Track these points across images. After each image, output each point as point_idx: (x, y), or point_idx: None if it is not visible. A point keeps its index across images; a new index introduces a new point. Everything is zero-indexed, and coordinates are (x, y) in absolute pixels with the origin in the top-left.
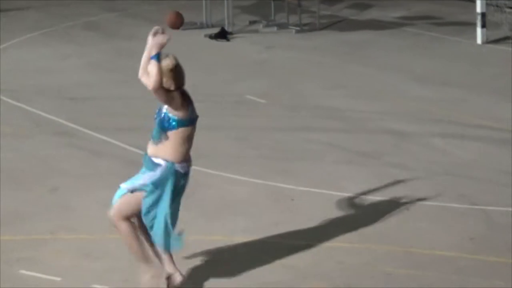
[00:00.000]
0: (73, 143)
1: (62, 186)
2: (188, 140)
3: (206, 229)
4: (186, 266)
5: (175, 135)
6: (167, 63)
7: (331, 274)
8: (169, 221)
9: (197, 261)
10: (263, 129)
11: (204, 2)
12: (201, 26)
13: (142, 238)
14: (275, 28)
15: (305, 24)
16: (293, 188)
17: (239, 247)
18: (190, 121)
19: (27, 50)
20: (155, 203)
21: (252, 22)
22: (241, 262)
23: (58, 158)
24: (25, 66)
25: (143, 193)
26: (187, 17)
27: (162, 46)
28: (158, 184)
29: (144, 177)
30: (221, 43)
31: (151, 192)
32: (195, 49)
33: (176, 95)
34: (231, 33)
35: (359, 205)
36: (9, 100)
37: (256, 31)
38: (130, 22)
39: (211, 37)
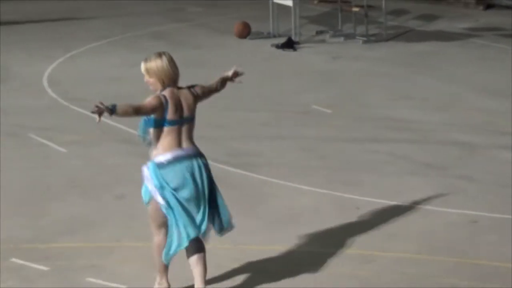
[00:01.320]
0: (139, 152)
1: (129, 194)
2: (169, 135)
3: (270, 238)
4: (248, 276)
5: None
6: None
7: (395, 285)
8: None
9: (261, 271)
10: (329, 140)
11: (271, 12)
12: (268, 36)
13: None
14: (342, 39)
15: (372, 35)
16: (358, 198)
17: (302, 257)
18: (165, 121)
19: (95, 58)
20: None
21: (319, 32)
22: (305, 271)
23: (125, 166)
24: (93, 74)
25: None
26: (254, 27)
27: None
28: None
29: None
30: (288, 53)
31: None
32: (262, 59)
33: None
34: (298, 43)
35: (425, 217)
36: (77, 108)
37: (323, 41)
38: (198, 32)
39: (278, 47)
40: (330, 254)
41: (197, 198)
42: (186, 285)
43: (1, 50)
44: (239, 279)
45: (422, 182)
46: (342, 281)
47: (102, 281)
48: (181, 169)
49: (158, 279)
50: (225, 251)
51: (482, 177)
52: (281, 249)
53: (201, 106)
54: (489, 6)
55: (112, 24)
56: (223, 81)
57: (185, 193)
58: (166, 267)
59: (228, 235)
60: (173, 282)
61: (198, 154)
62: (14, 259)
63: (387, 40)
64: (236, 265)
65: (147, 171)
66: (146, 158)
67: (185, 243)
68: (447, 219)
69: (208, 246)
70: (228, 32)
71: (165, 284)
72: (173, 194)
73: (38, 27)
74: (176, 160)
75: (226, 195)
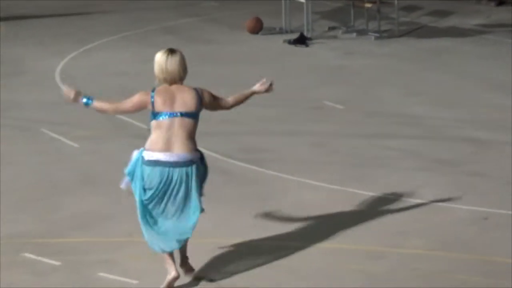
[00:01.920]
0: None
1: None
2: (159, 128)
3: (282, 234)
4: (260, 270)
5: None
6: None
7: (407, 281)
8: (142, 215)
9: (272, 266)
10: (340, 135)
11: (283, 7)
12: (280, 32)
13: None
14: (354, 34)
15: (384, 31)
16: (370, 194)
17: (313, 252)
18: (154, 114)
19: (107, 53)
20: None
21: (331, 28)
22: (318, 267)
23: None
24: (106, 68)
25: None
26: (266, 23)
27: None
28: (130, 171)
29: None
30: (300, 49)
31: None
32: (274, 55)
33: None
34: (310, 39)
35: (436, 213)
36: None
37: (335, 37)
38: (210, 27)
39: (290, 42)
40: (341, 250)
41: (161, 202)
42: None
43: (15, 44)
44: (250, 274)
45: (433, 178)
46: (353, 277)
47: (113, 276)
48: (158, 174)
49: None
50: (237, 246)
51: (494, 174)
52: (292, 244)
53: None
54: (501, 3)
55: (125, 19)
56: (245, 97)
57: (149, 195)
58: (169, 256)
59: (240, 230)
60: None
61: (186, 163)
62: (26, 254)
63: (399, 36)
64: (247, 260)
65: (135, 153)
66: None
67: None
68: (458, 215)
69: (219, 241)
70: (240, 28)
71: (173, 273)
72: (140, 191)
73: (51, 21)
74: (156, 163)
75: (238, 191)
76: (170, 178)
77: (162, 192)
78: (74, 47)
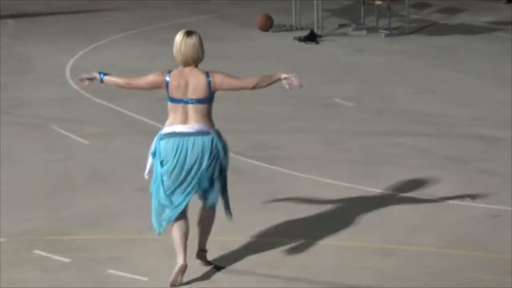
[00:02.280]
0: None
1: (149, 186)
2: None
3: (292, 231)
4: (270, 267)
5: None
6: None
7: (418, 279)
8: (157, 197)
9: (283, 263)
10: (351, 133)
11: (293, 4)
12: (291, 29)
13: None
14: (364, 32)
15: (394, 28)
16: (381, 192)
17: (324, 250)
18: (168, 98)
19: (117, 50)
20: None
21: (341, 25)
22: (328, 264)
23: (145, 158)
24: (116, 66)
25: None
26: (277, 20)
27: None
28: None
29: None
30: (310, 46)
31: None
32: (284, 52)
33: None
34: (320, 36)
35: (448, 210)
36: (100, 101)
37: (345, 34)
38: (221, 24)
39: (300, 39)
40: (353, 247)
41: (180, 174)
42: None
43: (24, 42)
44: (261, 270)
45: (445, 176)
46: (365, 275)
47: (123, 273)
48: (173, 144)
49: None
50: (248, 243)
51: (506, 172)
52: (303, 241)
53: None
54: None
55: (135, 16)
56: (272, 82)
57: (166, 167)
58: (181, 243)
59: (251, 227)
60: None
61: (202, 132)
62: (36, 251)
63: (409, 33)
64: (258, 256)
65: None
66: None
67: (163, 226)
68: (470, 213)
69: (231, 238)
70: (251, 25)
71: (181, 261)
72: (157, 165)
73: (61, 19)
74: (172, 135)
75: (249, 188)
76: (185, 147)
77: (179, 166)
78: (84, 45)
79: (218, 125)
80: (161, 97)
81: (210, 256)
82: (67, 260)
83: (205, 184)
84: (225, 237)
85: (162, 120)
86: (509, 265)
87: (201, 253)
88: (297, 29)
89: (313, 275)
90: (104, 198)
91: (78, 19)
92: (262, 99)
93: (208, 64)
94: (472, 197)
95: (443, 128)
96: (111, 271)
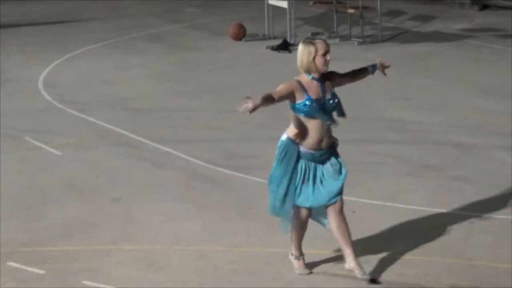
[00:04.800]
0: (136, 154)
1: (125, 196)
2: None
3: (266, 240)
4: (246, 278)
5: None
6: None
7: (391, 286)
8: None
9: (256, 272)
10: None
11: (266, 13)
12: (263, 38)
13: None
14: (337, 40)
15: (367, 36)
16: (355, 200)
17: None
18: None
19: (91, 61)
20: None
21: (314, 34)
22: (300, 274)
23: (121, 169)
24: (89, 77)
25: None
26: (250, 29)
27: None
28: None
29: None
30: (283, 55)
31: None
32: (257, 61)
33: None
34: (293, 45)
35: (422, 218)
36: (73, 112)
37: None
38: (194, 34)
39: (273, 48)
40: (328, 255)
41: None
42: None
43: None
44: (237, 278)
45: (419, 183)
46: (340, 282)
47: (98, 284)
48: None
49: (293, 251)
50: (222, 253)
51: (479, 178)
52: (278, 251)
53: (198, 109)
54: (484, 7)
55: (109, 26)
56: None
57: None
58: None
59: (226, 237)
60: None
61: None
62: (11, 263)
63: (382, 41)
64: (233, 267)
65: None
66: (143, 161)
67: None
68: (443, 220)
69: (206, 247)
70: (224, 34)
71: (297, 253)
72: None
73: (35, 29)
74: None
75: (223, 198)
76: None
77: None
78: (58, 55)
79: (191, 135)
80: (135, 107)
81: (185, 266)
82: (41, 271)
83: None
84: (200, 246)
85: (136, 131)
86: (482, 271)
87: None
88: (270, 38)
89: (288, 283)
90: (78, 209)
91: (52, 30)
92: (235, 108)
93: (182, 73)
94: None
95: (417, 135)
96: (86, 282)
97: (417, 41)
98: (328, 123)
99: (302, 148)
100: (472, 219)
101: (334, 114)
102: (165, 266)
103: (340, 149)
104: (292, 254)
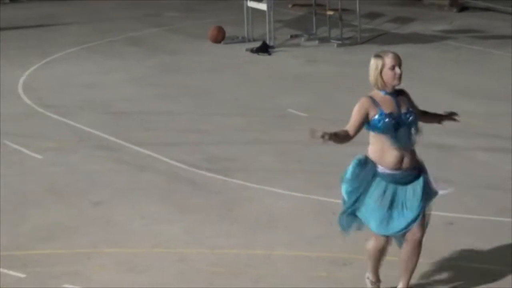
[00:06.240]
0: (116, 158)
1: (105, 200)
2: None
3: (247, 243)
4: (226, 280)
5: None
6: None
7: None
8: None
9: (238, 274)
10: (305, 143)
11: (245, 16)
12: (243, 40)
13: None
14: (316, 42)
15: (346, 38)
16: (335, 201)
17: (280, 260)
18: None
19: (71, 64)
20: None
21: (293, 36)
22: (283, 275)
23: (102, 172)
24: (69, 80)
25: None
26: (229, 32)
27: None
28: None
29: None
30: (263, 57)
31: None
32: (237, 63)
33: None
34: (272, 47)
35: None
36: (53, 115)
37: (298, 45)
38: (174, 37)
39: (253, 51)
40: (308, 257)
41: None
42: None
43: None
44: (217, 281)
45: None
46: (320, 284)
47: (79, 287)
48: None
49: (369, 274)
50: (203, 256)
51: (458, 179)
52: (259, 253)
53: (179, 112)
54: (463, 8)
55: (88, 30)
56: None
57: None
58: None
59: (207, 239)
60: None
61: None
62: None
63: (361, 43)
64: (214, 269)
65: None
66: (123, 164)
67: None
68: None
69: (187, 250)
70: (203, 37)
71: (373, 278)
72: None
73: (14, 33)
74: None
75: (203, 200)
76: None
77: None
78: (37, 59)
79: (171, 137)
80: (115, 110)
81: (165, 269)
82: (22, 275)
83: None
84: (181, 249)
85: (117, 134)
86: (462, 272)
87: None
88: (249, 40)
89: (269, 285)
90: (59, 212)
91: (30, 33)
92: (216, 111)
93: (163, 76)
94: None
95: None
96: (67, 285)
97: (396, 42)
98: (395, 145)
99: (381, 168)
100: (452, 220)
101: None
102: (146, 269)
103: (317, 152)
104: (368, 278)
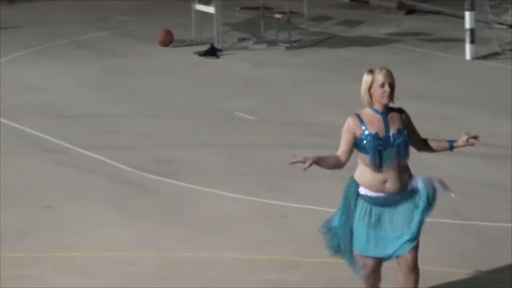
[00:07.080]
0: (65, 161)
1: (55, 204)
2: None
3: (195, 246)
4: (172, 282)
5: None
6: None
7: None
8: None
9: (186, 279)
10: (253, 146)
11: (193, 19)
12: (191, 44)
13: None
14: (264, 45)
15: (294, 41)
16: (284, 204)
17: (228, 264)
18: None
19: (18, 68)
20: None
21: (241, 39)
22: (230, 279)
23: (51, 176)
24: (16, 84)
25: None
26: (177, 35)
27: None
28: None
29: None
30: (211, 60)
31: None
32: (185, 67)
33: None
34: (220, 50)
35: None
36: (1, 119)
37: (246, 48)
38: (121, 41)
39: (201, 54)
40: (257, 260)
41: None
42: None
43: None
44: (164, 284)
45: None
46: (269, 287)
47: None
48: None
49: None
50: (152, 259)
51: None
52: (206, 256)
53: (126, 116)
54: (410, 11)
55: (36, 33)
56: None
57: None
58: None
59: (155, 243)
60: None
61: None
62: None
63: (310, 46)
64: (162, 272)
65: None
66: (72, 168)
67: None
68: None
69: (134, 254)
70: (152, 40)
71: None
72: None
73: None
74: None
75: (152, 204)
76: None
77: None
78: None
79: (119, 140)
80: (62, 114)
81: (113, 274)
82: None
83: None
84: (131, 252)
85: (65, 138)
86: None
87: None
88: (197, 43)
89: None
90: (10, 217)
91: None
92: (163, 114)
93: (110, 80)
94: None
95: None
96: None
97: (344, 45)
98: (373, 166)
99: (363, 189)
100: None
101: (397, 156)
102: (97, 273)
103: (265, 155)
104: None
